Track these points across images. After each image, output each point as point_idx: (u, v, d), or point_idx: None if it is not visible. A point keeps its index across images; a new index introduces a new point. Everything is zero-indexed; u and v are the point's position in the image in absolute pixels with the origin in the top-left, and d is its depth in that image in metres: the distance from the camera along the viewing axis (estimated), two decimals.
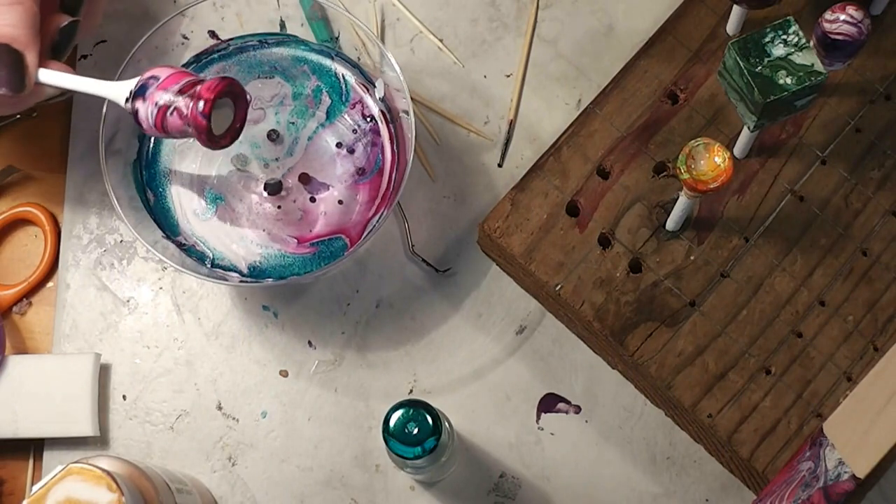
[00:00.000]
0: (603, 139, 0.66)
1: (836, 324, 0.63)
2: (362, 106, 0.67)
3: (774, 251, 0.64)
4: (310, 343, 0.68)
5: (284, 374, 0.67)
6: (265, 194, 0.66)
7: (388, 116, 0.67)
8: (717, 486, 0.65)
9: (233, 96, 0.56)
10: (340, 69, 0.68)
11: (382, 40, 0.72)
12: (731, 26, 0.67)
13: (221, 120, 0.56)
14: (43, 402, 0.65)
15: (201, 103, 0.54)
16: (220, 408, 0.67)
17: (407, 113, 0.63)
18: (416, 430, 0.55)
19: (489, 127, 0.71)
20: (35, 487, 0.50)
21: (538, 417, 0.67)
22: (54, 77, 0.57)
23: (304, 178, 0.66)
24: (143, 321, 0.68)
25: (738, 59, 0.57)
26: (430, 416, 0.55)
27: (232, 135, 0.57)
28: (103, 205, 0.70)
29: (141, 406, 0.67)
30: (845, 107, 0.67)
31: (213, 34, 0.68)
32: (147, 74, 0.56)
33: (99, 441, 0.66)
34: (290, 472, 0.66)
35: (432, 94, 0.72)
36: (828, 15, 0.59)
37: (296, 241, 0.65)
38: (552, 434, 0.66)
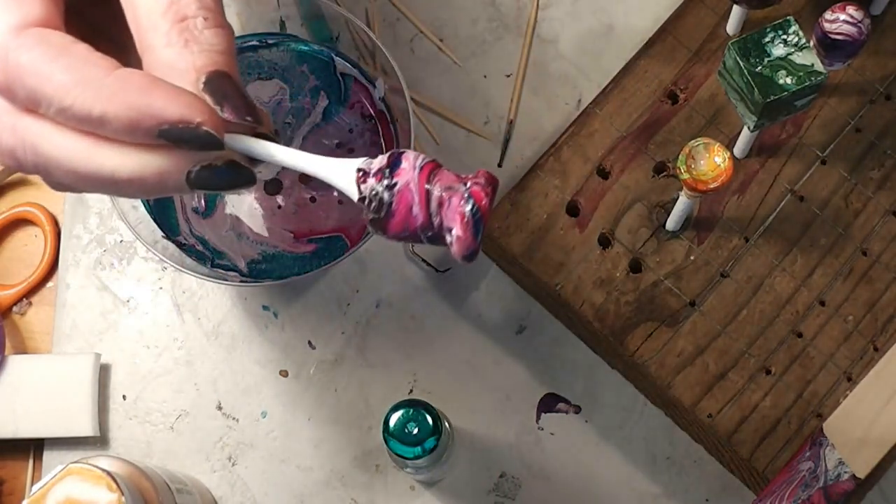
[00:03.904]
0: (603, 139, 0.66)
1: (836, 324, 0.63)
2: (361, 106, 0.67)
3: (774, 251, 0.64)
4: (310, 343, 0.68)
5: (284, 374, 0.67)
6: (265, 193, 0.66)
7: (387, 116, 0.67)
8: (717, 486, 0.65)
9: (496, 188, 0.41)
10: (339, 69, 0.68)
11: (382, 40, 0.72)
12: (731, 26, 0.67)
13: None
14: (43, 402, 0.65)
15: (482, 178, 0.39)
16: (220, 408, 0.67)
17: (407, 113, 0.63)
18: (416, 430, 0.55)
19: (489, 127, 0.71)
20: (35, 487, 0.50)
21: (538, 417, 0.67)
22: (256, 147, 0.39)
23: (304, 178, 0.66)
24: (143, 321, 0.68)
25: (738, 59, 0.57)
26: (430, 416, 0.55)
27: (474, 255, 0.40)
28: (103, 205, 0.70)
29: (141, 406, 0.67)
30: (845, 107, 0.67)
31: None
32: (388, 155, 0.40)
33: (99, 441, 0.66)
34: (290, 472, 0.66)
35: (432, 94, 0.72)
36: (828, 15, 0.59)
37: (296, 240, 0.65)
38: (552, 434, 0.66)
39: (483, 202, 0.39)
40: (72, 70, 0.37)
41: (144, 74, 0.37)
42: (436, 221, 0.39)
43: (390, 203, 0.39)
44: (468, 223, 0.39)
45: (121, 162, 0.38)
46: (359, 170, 0.40)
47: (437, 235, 0.40)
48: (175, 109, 0.37)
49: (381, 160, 0.40)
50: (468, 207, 0.39)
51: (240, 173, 0.39)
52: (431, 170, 0.39)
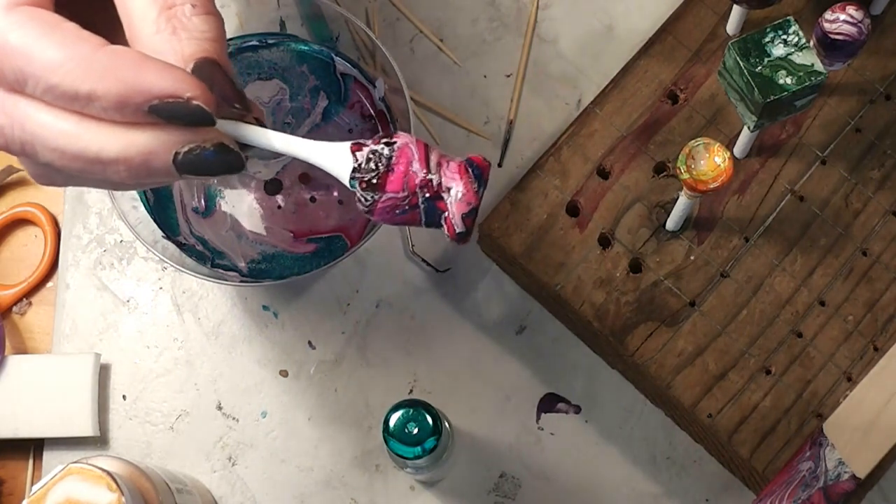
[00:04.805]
0: (603, 139, 0.66)
1: (836, 324, 0.63)
2: (361, 106, 0.67)
3: (774, 251, 0.64)
4: (310, 343, 0.68)
5: (284, 374, 0.67)
6: (265, 193, 0.66)
7: (387, 116, 0.67)
8: (717, 486, 0.65)
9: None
10: (339, 69, 0.68)
11: (382, 40, 0.72)
12: (731, 26, 0.67)
13: None
14: (43, 402, 0.65)
15: (471, 163, 0.40)
16: (220, 408, 0.67)
17: (407, 113, 0.63)
18: (416, 430, 0.55)
19: (489, 127, 0.71)
20: (35, 487, 0.50)
21: (538, 417, 0.67)
22: (248, 131, 0.40)
23: (305, 178, 0.66)
24: (143, 321, 0.68)
25: (738, 59, 0.57)
26: (430, 416, 0.55)
27: (474, 220, 0.41)
28: (103, 205, 0.70)
29: (141, 406, 0.67)
30: (845, 107, 0.67)
31: None
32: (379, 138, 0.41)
33: (99, 441, 0.66)
34: (290, 472, 0.66)
35: (432, 94, 0.72)
36: (828, 15, 0.59)
37: (296, 240, 0.65)
38: (552, 434, 0.66)
39: (482, 163, 0.40)
40: (60, 47, 0.36)
41: (134, 51, 0.37)
42: (435, 179, 0.39)
43: (390, 157, 0.39)
44: (469, 178, 0.39)
45: (107, 140, 0.37)
46: (354, 142, 0.40)
47: (435, 197, 0.40)
48: (166, 84, 0.36)
49: (376, 138, 0.40)
50: (468, 165, 0.39)
51: (228, 156, 0.38)
52: (426, 144, 0.40)
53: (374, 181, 0.40)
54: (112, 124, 0.37)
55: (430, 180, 0.40)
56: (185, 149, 0.38)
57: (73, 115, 0.37)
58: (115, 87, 0.36)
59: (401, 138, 0.40)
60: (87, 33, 0.37)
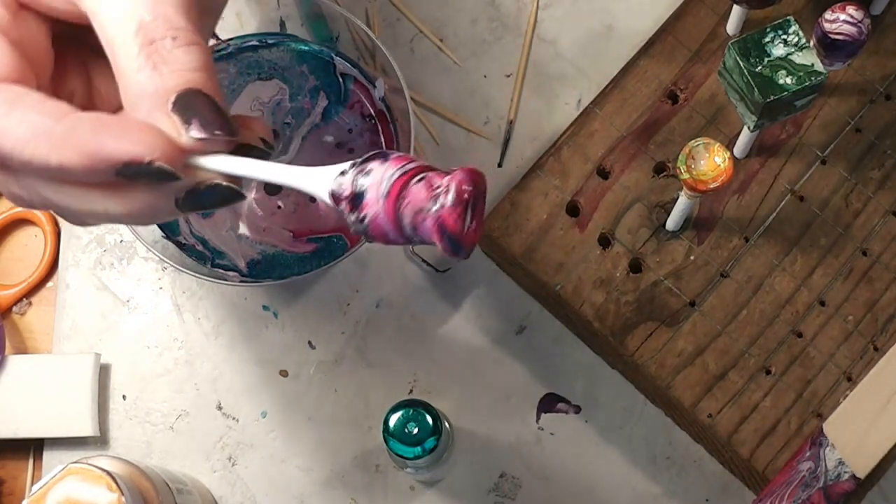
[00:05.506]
0: (603, 139, 0.66)
1: (836, 324, 0.63)
2: (361, 106, 0.67)
3: (774, 251, 0.64)
4: (310, 343, 0.68)
5: (284, 374, 0.67)
6: (265, 194, 0.66)
7: (387, 116, 0.67)
8: (717, 486, 0.65)
9: (475, 190, 0.40)
10: (339, 69, 0.68)
11: (382, 40, 0.72)
12: (731, 26, 0.67)
13: None
14: (43, 402, 0.65)
15: (452, 195, 0.38)
16: (220, 408, 0.67)
17: (407, 113, 0.63)
18: (416, 430, 0.55)
19: (489, 127, 0.71)
20: (35, 487, 0.50)
21: (538, 417, 0.67)
22: (231, 164, 0.39)
23: None
24: (143, 321, 0.68)
25: (738, 59, 0.57)
26: (430, 416, 0.55)
27: (474, 238, 0.40)
28: None
29: (141, 406, 0.67)
30: (845, 107, 0.67)
31: (212, 34, 0.68)
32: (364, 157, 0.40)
33: (99, 441, 0.66)
34: (290, 472, 0.66)
35: (432, 94, 0.72)
36: (828, 15, 0.59)
37: (296, 240, 0.65)
38: (552, 434, 0.66)
39: (454, 227, 0.39)
40: (24, 123, 0.36)
41: (94, 116, 0.37)
42: (416, 239, 0.39)
43: (366, 230, 0.40)
44: (445, 245, 0.39)
45: (108, 203, 0.38)
46: (331, 193, 0.39)
47: (423, 243, 0.40)
48: (125, 149, 0.36)
49: (348, 183, 0.39)
50: (440, 233, 0.39)
51: (224, 194, 0.39)
52: (398, 194, 0.39)
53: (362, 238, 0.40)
54: (108, 187, 0.38)
55: (412, 240, 0.40)
56: (183, 195, 0.38)
57: (70, 185, 0.38)
58: (77, 159, 0.36)
59: (370, 208, 0.39)
60: (49, 104, 0.37)
